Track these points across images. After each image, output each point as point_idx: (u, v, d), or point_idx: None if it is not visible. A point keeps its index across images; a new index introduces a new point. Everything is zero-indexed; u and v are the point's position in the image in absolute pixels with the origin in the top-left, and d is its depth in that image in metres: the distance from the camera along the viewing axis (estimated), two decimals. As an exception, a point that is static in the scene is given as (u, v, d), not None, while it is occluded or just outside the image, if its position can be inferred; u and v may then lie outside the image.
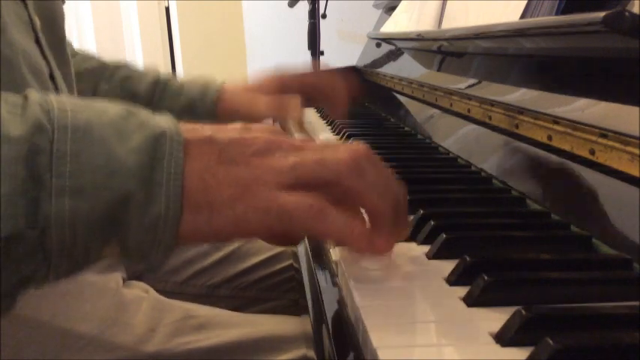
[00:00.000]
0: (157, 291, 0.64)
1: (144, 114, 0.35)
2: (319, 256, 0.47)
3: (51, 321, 0.52)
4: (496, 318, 0.31)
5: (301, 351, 0.57)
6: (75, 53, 0.81)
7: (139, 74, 0.83)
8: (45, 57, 0.55)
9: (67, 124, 0.32)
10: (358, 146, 0.38)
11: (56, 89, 0.56)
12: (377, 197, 0.37)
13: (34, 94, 0.33)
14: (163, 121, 0.35)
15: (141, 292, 0.61)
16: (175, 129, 0.35)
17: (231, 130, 0.37)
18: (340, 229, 0.35)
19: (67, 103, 0.33)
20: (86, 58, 0.83)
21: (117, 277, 0.62)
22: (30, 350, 0.50)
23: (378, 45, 1.26)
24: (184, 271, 0.77)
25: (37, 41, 0.54)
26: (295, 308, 0.78)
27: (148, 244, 0.33)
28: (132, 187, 0.32)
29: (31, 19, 0.53)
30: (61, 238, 0.31)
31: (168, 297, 0.63)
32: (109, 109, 0.34)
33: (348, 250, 0.42)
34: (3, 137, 0.30)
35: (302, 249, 0.53)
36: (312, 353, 0.56)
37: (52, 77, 0.56)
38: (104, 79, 0.81)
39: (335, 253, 0.43)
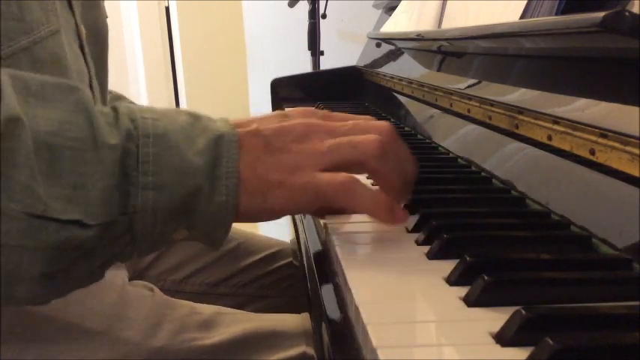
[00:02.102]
0: None
1: (205, 119, 0.43)
2: (319, 254, 0.47)
3: (58, 316, 0.52)
4: (496, 318, 0.31)
5: (301, 348, 0.57)
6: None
7: None
8: (87, 65, 0.57)
9: (148, 131, 0.39)
10: (384, 128, 0.45)
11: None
12: (394, 177, 0.44)
13: (123, 106, 0.41)
14: (221, 124, 0.43)
15: (146, 290, 0.62)
16: (231, 130, 0.42)
17: (272, 119, 0.45)
18: (367, 202, 0.43)
19: (146, 112, 0.41)
20: (115, 98, 0.85)
21: (123, 274, 0.62)
22: (37, 345, 0.51)
23: (378, 45, 1.26)
24: (183, 270, 0.77)
25: (81, 49, 0.56)
26: (295, 305, 0.78)
27: (213, 226, 0.41)
28: (200, 183, 0.39)
29: (77, 27, 0.55)
30: (144, 223, 0.39)
31: (167, 295, 0.63)
32: (178, 117, 0.42)
33: (348, 249, 0.42)
34: (106, 144, 0.37)
35: (302, 247, 0.53)
36: (311, 350, 0.57)
37: (90, 86, 0.57)
38: None
39: (336, 252, 0.43)
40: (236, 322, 0.59)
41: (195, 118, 0.42)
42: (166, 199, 0.39)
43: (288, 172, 0.42)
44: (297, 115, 0.46)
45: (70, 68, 0.51)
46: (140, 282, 0.65)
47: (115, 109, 0.40)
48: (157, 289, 0.63)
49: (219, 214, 0.40)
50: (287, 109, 0.46)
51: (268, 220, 0.44)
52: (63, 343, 0.52)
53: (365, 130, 0.44)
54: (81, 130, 0.37)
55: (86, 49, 0.57)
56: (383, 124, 0.45)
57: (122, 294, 0.58)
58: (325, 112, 0.48)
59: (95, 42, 0.61)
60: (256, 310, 0.68)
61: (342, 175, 0.42)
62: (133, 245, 0.40)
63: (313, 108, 0.49)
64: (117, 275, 0.61)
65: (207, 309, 0.60)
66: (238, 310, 0.64)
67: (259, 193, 0.41)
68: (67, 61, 0.50)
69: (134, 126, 0.39)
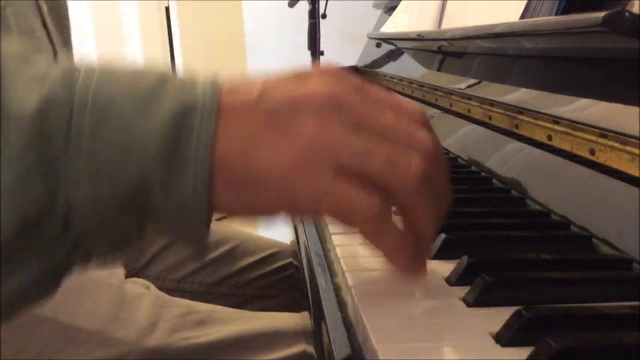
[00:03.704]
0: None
1: (179, 82, 0.31)
2: (320, 255, 0.47)
3: (54, 316, 0.52)
4: (496, 318, 0.31)
5: (301, 347, 0.57)
6: None
7: None
8: (51, 40, 0.57)
9: (87, 97, 0.29)
10: (429, 146, 0.32)
11: None
12: (427, 218, 0.33)
13: (63, 62, 0.30)
14: (200, 87, 0.31)
15: (142, 288, 0.61)
16: (211, 96, 0.30)
17: (284, 84, 0.32)
18: (392, 245, 0.33)
19: (96, 74, 0.30)
20: None
21: (119, 273, 0.62)
22: (33, 345, 0.51)
23: (378, 45, 1.26)
24: (182, 269, 0.77)
25: (44, 25, 0.56)
26: (295, 306, 0.78)
27: (181, 226, 0.31)
28: (148, 171, 0.29)
29: (37, 2, 0.55)
30: (87, 223, 0.29)
31: (166, 294, 0.63)
32: (142, 79, 0.30)
33: (348, 249, 0.42)
34: (12, 115, 0.27)
35: (302, 247, 0.53)
36: (311, 349, 0.57)
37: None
38: None
39: (336, 252, 0.43)
40: (233, 321, 0.59)
41: (165, 79, 0.31)
42: (107, 190, 0.29)
43: (295, 162, 0.30)
44: (320, 78, 0.32)
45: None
46: (136, 280, 0.65)
47: (52, 65, 0.30)
48: (152, 287, 0.63)
49: (183, 212, 0.30)
50: (307, 70, 0.34)
51: (251, 218, 0.33)
52: (59, 344, 0.52)
53: (406, 137, 0.32)
54: None
55: (49, 25, 0.56)
56: (428, 140, 0.33)
57: (118, 294, 0.58)
58: (359, 82, 0.34)
59: (57, 18, 0.60)
60: (255, 310, 0.68)
61: (377, 203, 0.31)
62: (85, 249, 0.31)
63: (344, 72, 0.35)
64: (113, 275, 0.61)
65: (203, 307, 0.60)
66: (235, 309, 0.64)
67: (246, 188, 0.30)
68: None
69: (69, 88, 0.29)
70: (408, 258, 0.34)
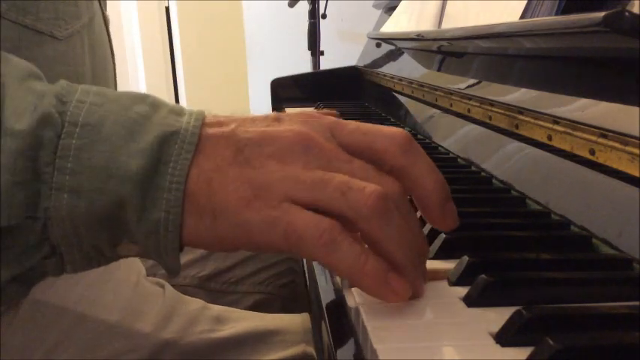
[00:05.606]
0: None
1: (166, 111, 0.33)
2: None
3: (74, 308, 0.53)
4: (496, 318, 0.31)
5: (301, 347, 0.58)
6: None
7: None
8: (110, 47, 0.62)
9: (78, 118, 0.31)
10: (393, 182, 0.33)
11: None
12: (395, 249, 0.32)
13: (61, 84, 0.33)
14: (187, 119, 0.33)
15: (157, 286, 0.63)
16: (193, 128, 0.32)
17: (260, 121, 0.34)
18: (348, 266, 0.31)
19: (90, 95, 0.33)
20: None
21: (139, 269, 0.63)
22: (52, 334, 0.52)
23: (378, 45, 1.26)
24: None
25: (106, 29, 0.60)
26: (294, 305, 0.78)
27: (153, 248, 0.32)
28: (127, 192, 0.31)
29: (102, 12, 0.60)
30: (63, 233, 0.31)
31: None
32: (134, 106, 0.33)
33: None
34: (8, 130, 0.30)
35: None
36: (311, 349, 0.57)
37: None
38: None
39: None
40: (240, 320, 0.60)
41: (155, 108, 0.33)
42: (85, 206, 0.31)
43: (253, 192, 0.31)
44: (295, 120, 0.34)
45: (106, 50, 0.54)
46: (151, 278, 0.65)
47: (55, 86, 0.33)
48: (168, 286, 0.64)
49: (156, 234, 0.32)
50: (288, 111, 0.35)
51: (217, 251, 0.35)
52: (78, 333, 0.53)
53: (368, 177, 0.32)
54: None
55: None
56: (391, 183, 0.33)
57: (137, 289, 0.59)
58: (333, 123, 0.35)
59: None
60: (252, 308, 0.68)
61: (326, 222, 0.31)
62: (60, 258, 0.33)
63: (324, 113, 0.36)
64: (133, 271, 0.62)
65: (216, 307, 0.62)
66: (244, 310, 0.65)
67: (209, 215, 0.31)
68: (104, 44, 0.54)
69: (62, 109, 0.31)
70: (371, 280, 0.32)
